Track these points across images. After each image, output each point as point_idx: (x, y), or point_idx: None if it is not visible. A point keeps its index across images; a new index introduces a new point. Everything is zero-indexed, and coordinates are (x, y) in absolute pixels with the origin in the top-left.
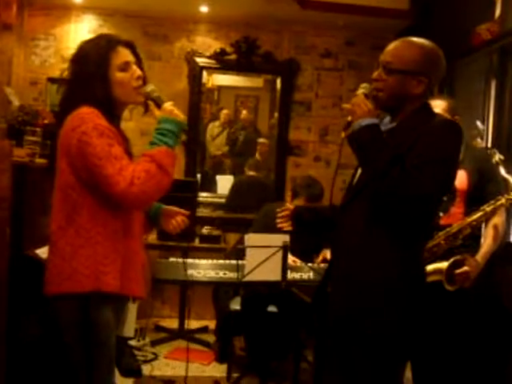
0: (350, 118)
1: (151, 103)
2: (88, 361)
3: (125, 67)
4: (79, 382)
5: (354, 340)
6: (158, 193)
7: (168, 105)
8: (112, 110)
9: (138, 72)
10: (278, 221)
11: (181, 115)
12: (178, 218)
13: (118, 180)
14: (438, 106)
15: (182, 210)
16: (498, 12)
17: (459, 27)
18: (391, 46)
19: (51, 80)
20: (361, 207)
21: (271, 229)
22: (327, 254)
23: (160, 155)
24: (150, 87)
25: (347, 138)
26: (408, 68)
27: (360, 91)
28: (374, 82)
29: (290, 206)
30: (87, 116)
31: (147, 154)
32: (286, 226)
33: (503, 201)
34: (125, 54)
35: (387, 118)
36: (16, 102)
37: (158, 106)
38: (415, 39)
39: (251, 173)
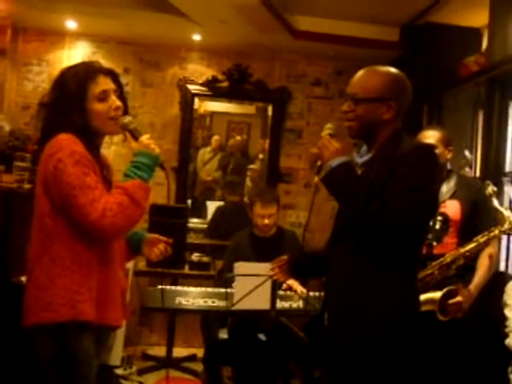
0: (319, 163)
1: (128, 135)
2: None
3: (103, 97)
4: None
5: (353, 375)
6: (129, 225)
7: (145, 138)
8: (90, 138)
9: (117, 102)
10: (272, 273)
11: (157, 149)
12: (160, 246)
13: (90, 211)
14: (431, 136)
15: (165, 238)
16: (484, 44)
17: (448, 59)
18: (356, 76)
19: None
20: (348, 243)
21: (240, 257)
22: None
23: (133, 188)
24: (127, 119)
25: (321, 181)
26: (375, 95)
27: (325, 132)
28: (344, 114)
29: (283, 257)
30: (64, 143)
31: (121, 187)
32: (282, 278)
33: (496, 232)
34: (104, 83)
35: (364, 148)
36: (7, 128)
37: (135, 138)
38: (379, 67)
39: (231, 198)
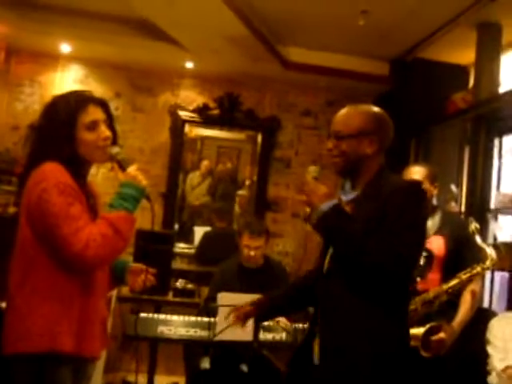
0: (308, 210)
1: (116, 166)
2: None
3: (92, 126)
4: None
5: None
6: (112, 257)
7: (132, 169)
8: (77, 167)
9: (106, 133)
10: (233, 319)
11: (144, 181)
12: (143, 276)
13: (73, 241)
14: (417, 172)
15: (149, 268)
16: (471, 82)
17: (435, 94)
18: (338, 115)
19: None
20: (340, 282)
21: (226, 287)
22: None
23: (119, 220)
24: (115, 149)
25: (314, 227)
26: (356, 131)
27: (310, 176)
28: (329, 152)
29: (245, 307)
30: (49, 173)
31: (105, 218)
32: (241, 324)
33: (479, 269)
34: (94, 113)
35: (347, 185)
36: None
37: (123, 168)
38: (360, 105)
39: (219, 224)
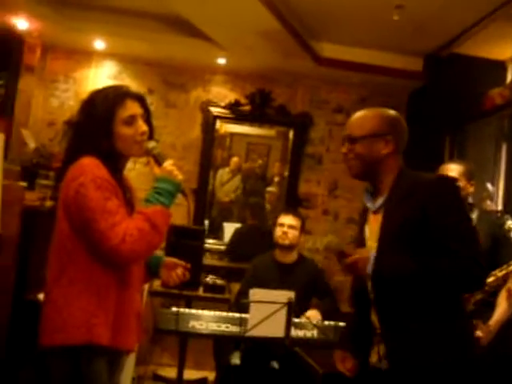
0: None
1: (152, 160)
2: None
3: (130, 121)
4: None
5: None
6: (148, 251)
7: (168, 164)
8: (114, 162)
9: (143, 127)
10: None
11: (179, 176)
12: (178, 271)
13: (110, 236)
14: (454, 169)
15: (183, 263)
16: (510, 77)
17: (471, 90)
18: (351, 119)
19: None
20: (397, 302)
21: (260, 282)
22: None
23: (155, 215)
24: (151, 144)
25: (375, 299)
26: (369, 132)
27: (335, 254)
28: (344, 157)
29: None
30: (87, 167)
31: (142, 212)
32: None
33: None
34: (132, 108)
35: (368, 192)
36: (32, 144)
37: (159, 163)
38: (373, 108)
39: (251, 221)
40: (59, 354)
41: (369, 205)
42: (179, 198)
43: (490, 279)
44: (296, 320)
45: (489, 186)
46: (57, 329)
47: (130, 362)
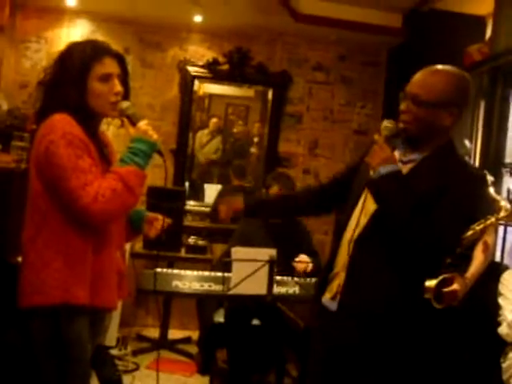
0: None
1: (126, 120)
2: (60, 377)
3: (106, 78)
4: None
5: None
6: (121, 212)
7: (143, 124)
8: (87, 119)
9: (118, 87)
10: (223, 214)
11: (155, 135)
12: (159, 222)
13: (81, 195)
14: None
15: (164, 217)
16: (488, 33)
17: (450, 47)
18: (418, 76)
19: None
20: (373, 248)
21: (251, 240)
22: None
23: (128, 175)
24: (125, 104)
25: (368, 187)
26: (438, 100)
27: (382, 134)
28: (401, 115)
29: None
30: (58, 124)
31: (115, 172)
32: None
33: (493, 220)
34: (110, 66)
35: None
36: (4, 106)
37: (133, 123)
38: (442, 67)
39: (237, 182)
40: (39, 315)
41: (399, 152)
42: (157, 158)
43: (469, 233)
44: (278, 277)
45: (467, 142)
46: (35, 290)
47: (113, 322)
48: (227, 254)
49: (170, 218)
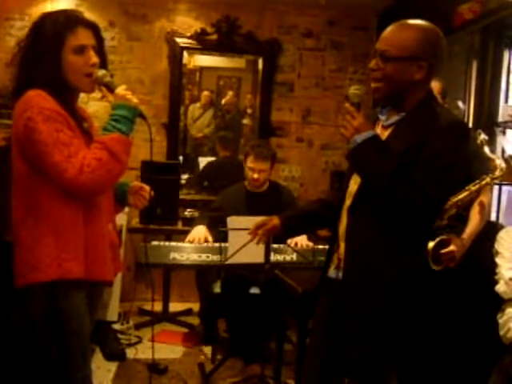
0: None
1: (104, 89)
2: (60, 352)
3: (80, 50)
4: (52, 373)
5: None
6: (110, 181)
7: (121, 89)
8: (63, 94)
9: (94, 59)
10: (252, 237)
11: (134, 99)
12: (143, 192)
13: (67, 167)
14: (434, 87)
15: (146, 186)
16: None
17: (441, 6)
18: (386, 31)
19: None
20: (366, 214)
21: (233, 211)
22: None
23: (112, 142)
24: (101, 72)
25: (346, 158)
26: (405, 54)
27: (353, 100)
28: (371, 72)
29: (273, 220)
30: (33, 99)
31: (99, 141)
32: (262, 240)
33: (488, 179)
34: (84, 36)
35: (386, 108)
36: None
37: (111, 91)
38: (411, 22)
39: (223, 153)
40: (35, 292)
41: (381, 117)
42: (146, 132)
43: (464, 194)
44: (275, 245)
45: (460, 103)
46: (29, 268)
47: (114, 297)
48: (213, 209)
49: (164, 196)
